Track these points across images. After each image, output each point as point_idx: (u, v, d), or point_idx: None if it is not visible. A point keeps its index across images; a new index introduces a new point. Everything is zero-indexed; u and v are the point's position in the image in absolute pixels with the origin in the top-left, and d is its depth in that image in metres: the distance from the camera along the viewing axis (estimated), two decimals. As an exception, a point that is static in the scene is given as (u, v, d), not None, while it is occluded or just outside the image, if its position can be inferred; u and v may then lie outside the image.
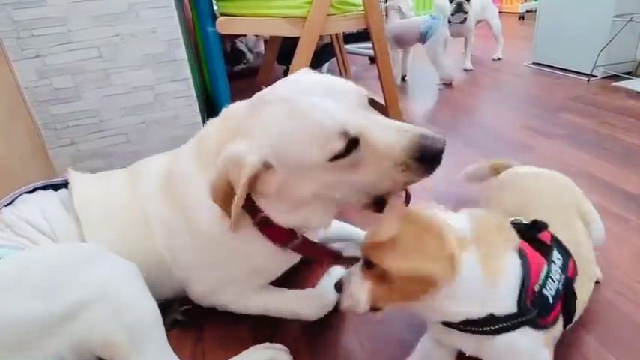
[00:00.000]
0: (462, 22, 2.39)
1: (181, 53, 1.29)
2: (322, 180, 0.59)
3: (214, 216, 0.65)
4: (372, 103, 0.65)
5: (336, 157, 0.55)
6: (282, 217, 0.65)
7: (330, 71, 2.46)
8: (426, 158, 0.55)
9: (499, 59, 2.65)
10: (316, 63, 2.49)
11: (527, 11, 4.14)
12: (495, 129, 1.59)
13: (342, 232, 0.96)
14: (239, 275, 0.74)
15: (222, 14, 1.32)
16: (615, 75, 2.02)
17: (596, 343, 0.69)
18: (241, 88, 2.55)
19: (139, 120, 1.34)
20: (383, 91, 1.47)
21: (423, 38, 2.16)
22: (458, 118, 1.75)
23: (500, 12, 3.35)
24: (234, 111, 0.69)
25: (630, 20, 1.89)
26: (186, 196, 0.70)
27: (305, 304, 0.76)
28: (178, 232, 0.72)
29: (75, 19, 1.18)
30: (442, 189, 1.20)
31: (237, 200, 0.58)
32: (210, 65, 1.58)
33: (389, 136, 0.55)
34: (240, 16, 1.27)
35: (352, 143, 0.55)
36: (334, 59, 2.36)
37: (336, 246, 0.91)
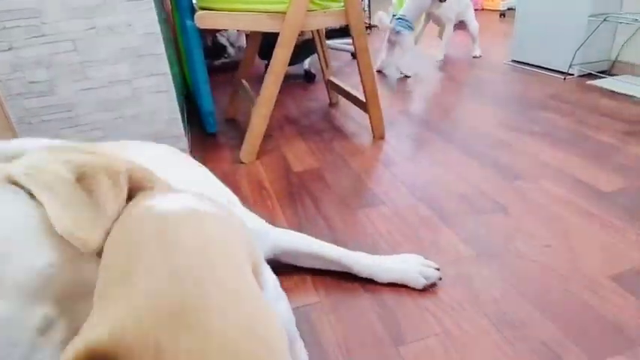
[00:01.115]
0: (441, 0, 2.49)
1: (160, 47, 1.28)
2: None
3: None
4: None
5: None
6: None
7: (311, 66, 2.45)
8: None
9: (479, 57, 2.69)
10: (297, 58, 2.48)
11: (508, 9, 4.20)
12: (474, 126, 1.62)
13: (294, 246, 0.89)
14: None
15: (202, 8, 1.30)
16: (591, 74, 2.07)
17: (562, 336, 0.71)
18: (222, 82, 2.53)
19: (115, 115, 1.32)
20: (363, 87, 1.47)
21: (394, 36, 2.36)
22: (436, 114, 1.77)
23: (481, 9, 3.41)
24: None
25: (605, 20, 1.94)
26: None
27: None
28: None
29: (49, 10, 1.16)
30: (421, 185, 1.21)
31: None
32: (190, 60, 1.57)
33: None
34: (220, 10, 1.26)
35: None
36: (315, 55, 2.36)
37: (285, 259, 0.88)
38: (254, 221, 0.85)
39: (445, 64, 2.60)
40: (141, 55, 1.27)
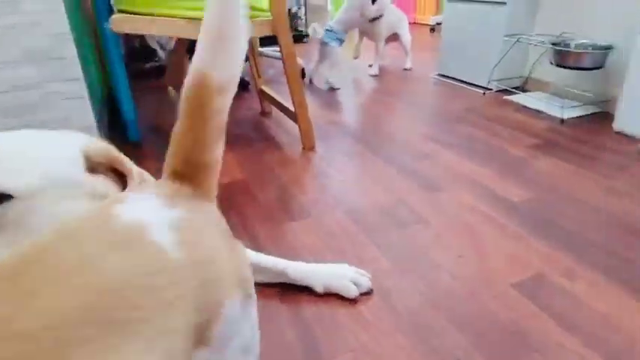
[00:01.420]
0: (371, 21, 2.54)
1: (71, 50, 1.18)
2: None
3: None
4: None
5: None
6: None
7: (245, 74, 2.42)
8: None
9: (410, 69, 2.80)
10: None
11: (437, 24, 4.42)
12: (400, 138, 1.67)
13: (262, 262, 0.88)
14: None
15: (120, 11, 1.23)
16: (507, 89, 2.23)
17: (470, 346, 0.74)
18: (152, 87, 2.41)
19: (22, 122, 1.20)
20: (291, 98, 1.47)
21: (324, 47, 2.40)
22: (366, 126, 1.81)
23: (413, 23, 3.55)
24: None
25: (518, 41, 2.10)
26: None
27: None
28: None
29: None
30: (348, 197, 1.23)
31: None
32: (109, 64, 1.47)
33: None
34: (138, 14, 1.19)
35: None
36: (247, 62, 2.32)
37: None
38: None
39: (378, 76, 2.68)
40: (50, 58, 1.17)
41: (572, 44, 1.90)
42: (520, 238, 1.04)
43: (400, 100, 2.17)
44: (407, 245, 1.02)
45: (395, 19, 2.70)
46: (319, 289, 0.86)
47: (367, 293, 0.87)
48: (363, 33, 2.72)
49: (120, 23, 1.16)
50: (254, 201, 1.22)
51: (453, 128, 1.77)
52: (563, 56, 1.88)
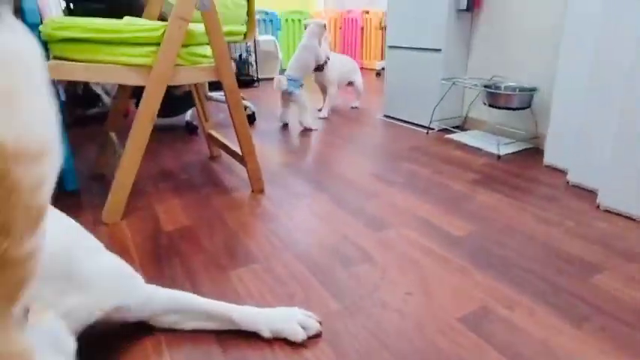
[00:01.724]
0: (320, 71, 2.68)
1: None
2: None
3: None
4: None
5: None
6: None
7: (193, 118, 2.40)
8: None
9: (357, 108, 2.95)
10: (178, 110, 2.42)
11: (382, 68, 4.67)
12: (348, 177, 1.71)
13: (174, 302, 0.85)
14: None
15: (55, 57, 1.20)
16: (447, 129, 2.35)
17: (418, 385, 0.73)
18: (92, 134, 2.33)
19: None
20: (239, 142, 1.47)
21: (288, 95, 2.47)
22: (315, 166, 1.84)
23: (361, 67, 3.73)
24: None
25: (453, 84, 2.25)
26: None
27: None
28: None
29: None
30: (296, 239, 1.22)
31: None
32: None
33: None
34: (77, 61, 1.17)
35: None
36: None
37: (168, 319, 0.84)
38: (122, 269, 0.77)
39: (327, 118, 2.75)
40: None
41: (502, 86, 2.06)
42: (464, 272, 1.06)
43: (349, 141, 2.23)
44: (355, 285, 1.01)
45: (350, 68, 2.93)
46: (266, 333, 0.83)
47: (316, 336, 0.84)
48: (315, 79, 2.83)
49: (57, 71, 1.13)
50: (199, 248, 1.18)
51: (399, 166, 1.83)
52: (494, 97, 2.03)
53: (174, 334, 0.84)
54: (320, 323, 0.87)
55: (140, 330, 0.84)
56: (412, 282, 1.02)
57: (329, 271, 1.07)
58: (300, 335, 0.83)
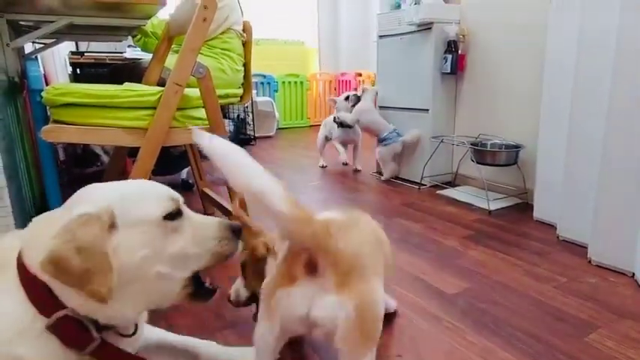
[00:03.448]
0: (351, 127, 2.84)
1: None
2: (154, 242, 0.64)
3: None
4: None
5: (168, 217, 0.66)
6: (89, 306, 0.60)
7: (189, 176, 2.44)
8: (236, 231, 0.73)
9: (360, 171, 2.94)
10: (174, 169, 2.47)
11: (375, 127, 4.82)
12: (340, 234, 1.71)
13: (176, 343, 0.87)
14: None
15: (54, 121, 1.25)
16: (438, 185, 2.39)
17: None
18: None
19: None
20: (231, 199, 1.49)
21: (382, 141, 2.58)
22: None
23: (352, 126, 3.82)
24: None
25: (442, 141, 2.32)
26: None
27: None
28: None
29: None
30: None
31: (107, 262, 0.58)
32: (43, 171, 1.45)
33: (204, 217, 0.73)
34: (72, 124, 1.21)
35: (178, 211, 0.68)
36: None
37: None
38: None
39: (323, 175, 2.80)
40: (-28, 168, 1.14)
41: (488, 144, 2.13)
42: (456, 331, 1.04)
43: (343, 198, 2.26)
44: (344, 347, 0.98)
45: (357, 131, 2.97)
46: None
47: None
48: (347, 135, 2.92)
49: (52, 133, 1.17)
50: (188, 312, 1.15)
51: (392, 222, 1.84)
52: (481, 155, 2.09)
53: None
54: None
55: None
56: (403, 345, 1.00)
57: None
58: None
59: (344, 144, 2.96)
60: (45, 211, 0.74)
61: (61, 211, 0.65)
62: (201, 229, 0.69)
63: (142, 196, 0.66)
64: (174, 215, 0.66)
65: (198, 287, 0.71)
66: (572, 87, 1.51)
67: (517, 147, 2.03)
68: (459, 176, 2.46)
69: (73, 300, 0.59)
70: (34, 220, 0.68)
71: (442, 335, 1.03)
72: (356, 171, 2.89)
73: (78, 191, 0.67)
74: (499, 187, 2.17)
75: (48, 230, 0.58)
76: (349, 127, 2.83)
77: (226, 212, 1.63)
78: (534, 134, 1.89)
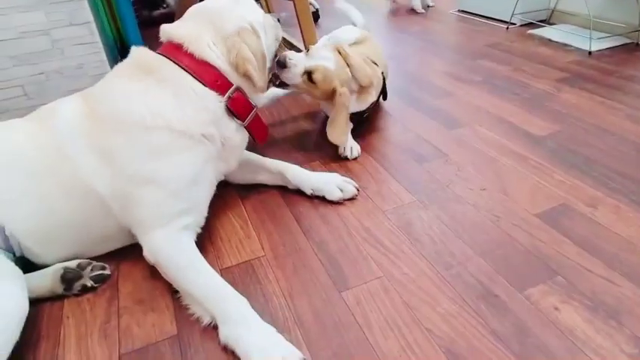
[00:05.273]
0: None
1: (79, -6, 1.15)
2: (269, 40, 0.92)
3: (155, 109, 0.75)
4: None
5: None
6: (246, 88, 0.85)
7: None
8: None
9: (433, 6, 2.65)
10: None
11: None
12: (419, 76, 1.62)
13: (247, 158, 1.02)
14: (184, 182, 0.76)
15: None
16: (531, 23, 2.11)
17: (492, 270, 0.76)
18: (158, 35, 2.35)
19: (35, 70, 1.20)
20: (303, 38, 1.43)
21: None
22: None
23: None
24: (144, 54, 0.85)
25: (545, -32, 1.95)
26: (119, 104, 0.76)
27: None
28: (113, 147, 0.74)
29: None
30: (368, 140, 1.22)
31: (264, 61, 0.88)
32: (118, 9, 1.44)
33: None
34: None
35: None
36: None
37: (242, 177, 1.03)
38: None
39: (394, 14, 2.56)
40: (57, 2, 1.15)
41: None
42: (544, 170, 1.02)
43: (420, 39, 2.08)
44: (428, 180, 1.01)
45: None
46: (308, 191, 0.97)
47: (384, 228, 0.88)
48: None
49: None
50: (277, 144, 1.21)
51: (476, 64, 1.70)
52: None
53: (263, 227, 0.92)
54: (358, 190, 0.97)
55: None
56: (488, 179, 1.01)
57: (402, 167, 1.07)
58: (336, 195, 0.95)
59: None
60: (126, 50, 0.82)
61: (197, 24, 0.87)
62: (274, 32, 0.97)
63: (257, 12, 0.90)
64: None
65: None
66: None
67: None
68: (557, 13, 2.13)
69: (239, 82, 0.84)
70: (133, 48, 0.86)
71: (528, 172, 1.02)
72: (428, 7, 2.62)
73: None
74: (605, 26, 1.87)
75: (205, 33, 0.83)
76: None
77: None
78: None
